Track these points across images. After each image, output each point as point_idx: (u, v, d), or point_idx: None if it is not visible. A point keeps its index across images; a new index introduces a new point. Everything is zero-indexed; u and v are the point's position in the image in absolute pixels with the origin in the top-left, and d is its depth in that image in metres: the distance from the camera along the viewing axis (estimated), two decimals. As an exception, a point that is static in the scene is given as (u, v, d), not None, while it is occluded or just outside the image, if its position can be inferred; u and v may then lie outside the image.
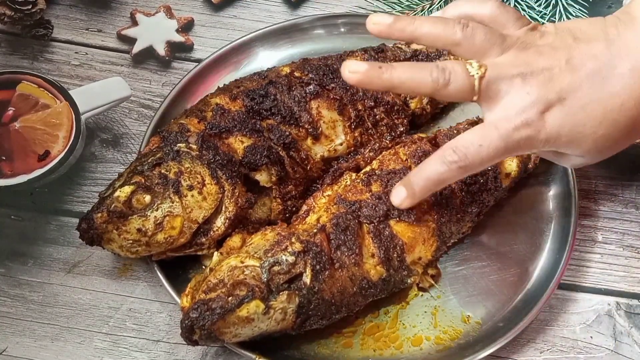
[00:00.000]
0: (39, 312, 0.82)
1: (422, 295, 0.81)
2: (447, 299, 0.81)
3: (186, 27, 1.03)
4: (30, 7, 0.97)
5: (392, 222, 0.76)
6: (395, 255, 0.76)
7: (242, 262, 0.71)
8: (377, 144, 0.84)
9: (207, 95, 0.86)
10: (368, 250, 0.75)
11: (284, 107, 0.82)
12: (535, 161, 0.86)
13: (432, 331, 0.79)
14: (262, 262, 0.71)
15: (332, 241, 0.74)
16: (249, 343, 0.74)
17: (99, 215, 0.75)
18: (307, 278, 0.71)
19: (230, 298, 0.69)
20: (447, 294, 0.81)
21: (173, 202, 0.76)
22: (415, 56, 0.90)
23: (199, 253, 0.80)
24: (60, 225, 0.88)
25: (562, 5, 0.99)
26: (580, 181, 0.92)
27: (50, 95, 0.88)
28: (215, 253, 0.76)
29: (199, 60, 0.98)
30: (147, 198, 0.76)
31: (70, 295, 0.83)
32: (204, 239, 0.78)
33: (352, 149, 0.84)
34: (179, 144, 0.78)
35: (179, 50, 1.01)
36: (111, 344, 0.81)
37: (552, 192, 0.87)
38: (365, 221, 0.75)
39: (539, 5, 0.99)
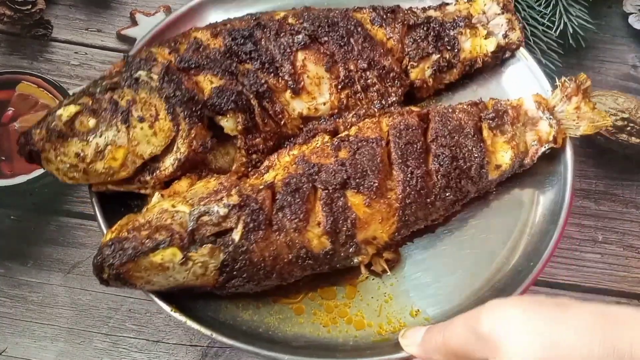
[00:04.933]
0: (39, 313, 0.82)
1: (373, 279, 0.74)
2: (400, 288, 0.74)
3: (186, 27, 1.03)
4: (30, 7, 0.97)
5: (349, 193, 0.69)
6: (344, 228, 0.69)
7: (173, 207, 0.66)
8: (363, 110, 0.77)
9: (191, 28, 0.79)
10: (315, 218, 0.69)
11: (265, 53, 0.76)
12: (533, 158, 0.77)
13: (376, 318, 0.72)
14: (192, 209, 0.66)
15: (277, 201, 0.68)
16: (169, 295, 0.68)
17: (38, 131, 0.69)
18: (236, 235, 0.66)
19: (147, 240, 0.64)
20: (402, 283, 0.74)
21: (119, 132, 0.70)
22: (427, 22, 0.82)
23: (142, 192, 0.73)
24: (60, 226, 0.88)
25: (563, 5, 0.99)
26: (581, 181, 0.92)
27: (50, 95, 0.88)
28: (156, 194, 0.70)
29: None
30: (92, 122, 0.70)
31: (70, 296, 0.83)
32: (148, 177, 0.72)
33: (336, 111, 0.78)
34: (140, 72, 0.72)
35: (179, 50, 1.01)
36: (111, 344, 0.81)
37: (546, 195, 0.78)
38: (320, 186, 0.69)
39: (539, 5, 0.99)
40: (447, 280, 0.74)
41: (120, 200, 0.74)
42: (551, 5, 0.99)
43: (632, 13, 1.05)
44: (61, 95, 0.88)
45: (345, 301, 0.73)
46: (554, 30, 0.98)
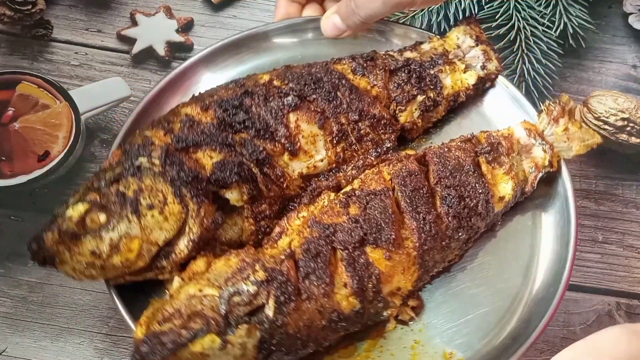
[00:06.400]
0: (39, 313, 0.82)
1: (401, 328, 0.74)
2: (429, 333, 0.74)
3: (186, 27, 1.03)
4: (30, 7, 0.97)
5: (368, 249, 0.69)
6: (370, 285, 0.69)
7: (200, 291, 0.66)
8: (361, 161, 0.77)
9: (179, 105, 0.78)
10: (340, 279, 0.68)
11: (258, 120, 0.75)
12: (533, 184, 0.78)
13: None
14: (221, 291, 0.65)
15: (301, 269, 0.67)
16: None
17: (50, 235, 0.68)
18: (269, 310, 0.65)
19: (183, 331, 0.63)
20: (429, 328, 0.74)
21: (131, 223, 0.69)
22: (407, 65, 0.83)
23: (161, 277, 0.72)
24: (60, 226, 0.88)
25: (563, 5, 0.99)
26: (581, 181, 0.92)
27: (50, 95, 0.88)
28: (176, 278, 0.69)
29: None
30: (103, 217, 0.69)
31: (70, 296, 0.83)
32: (165, 263, 0.71)
33: (334, 165, 0.78)
34: (140, 158, 0.71)
35: (179, 50, 1.01)
36: (111, 344, 0.81)
37: (550, 218, 0.79)
38: (339, 247, 0.69)
39: (539, 5, 0.99)
40: (472, 318, 0.74)
41: (136, 287, 0.73)
42: (551, 5, 0.99)
43: (632, 13, 1.05)
44: (61, 95, 0.87)
45: (366, 354, 0.72)
46: (554, 30, 0.98)
